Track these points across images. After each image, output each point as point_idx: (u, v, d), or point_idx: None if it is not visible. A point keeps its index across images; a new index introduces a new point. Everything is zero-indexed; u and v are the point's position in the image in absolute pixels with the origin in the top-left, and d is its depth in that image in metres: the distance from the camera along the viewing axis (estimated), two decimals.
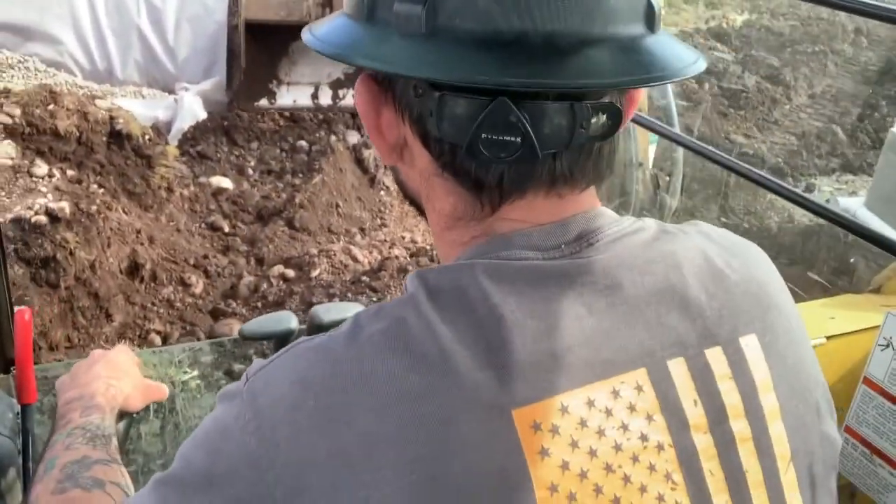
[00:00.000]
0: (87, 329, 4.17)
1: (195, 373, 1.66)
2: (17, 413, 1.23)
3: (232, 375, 1.90)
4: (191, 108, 6.91)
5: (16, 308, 1.28)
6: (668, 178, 3.43)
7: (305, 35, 0.73)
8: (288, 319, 1.36)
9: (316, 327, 1.36)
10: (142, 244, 4.66)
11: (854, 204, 6.10)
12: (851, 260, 4.78)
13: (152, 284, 4.60)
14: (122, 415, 1.18)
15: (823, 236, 5.36)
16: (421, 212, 0.79)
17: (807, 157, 6.93)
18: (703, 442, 0.66)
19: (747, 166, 1.59)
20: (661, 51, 0.67)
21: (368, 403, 0.60)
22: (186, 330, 4.34)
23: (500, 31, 0.62)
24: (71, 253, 4.21)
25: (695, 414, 0.66)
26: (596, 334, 0.65)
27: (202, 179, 5.69)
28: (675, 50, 0.68)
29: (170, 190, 5.40)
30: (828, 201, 6.36)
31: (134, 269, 4.57)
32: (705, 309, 0.69)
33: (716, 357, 0.68)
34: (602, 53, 0.63)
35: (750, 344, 0.70)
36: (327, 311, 1.38)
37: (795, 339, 0.75)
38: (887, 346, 1.17)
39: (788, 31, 8.67)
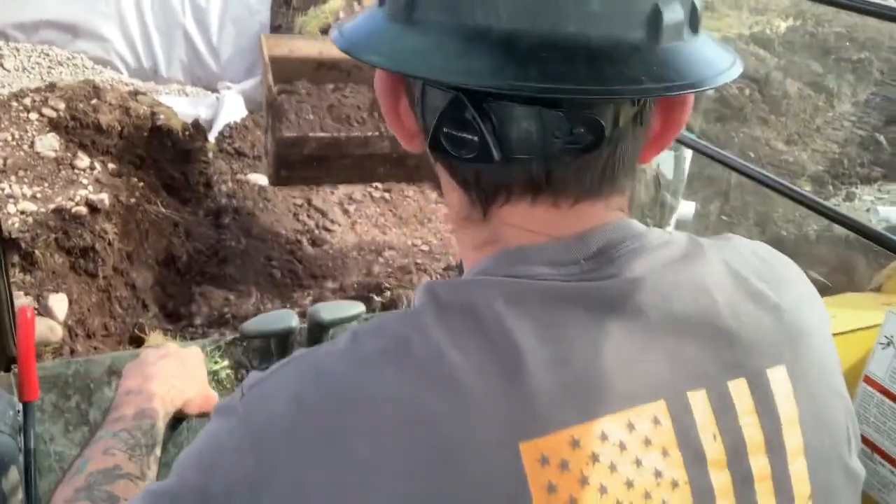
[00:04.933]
0: (124, 318, 4.26)
1: (226, 362, 1.66)
2: (19, 411, 1.23)
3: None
4: (233, 107, 7.03)
5: (17, 306, 1.29)
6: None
7: (336, 38, 0.70)
8: (288, 318, 1.35)
9: (316, 326, 1.36)
10: (179, 237, 4.75)
11: (895, 213, 6.00)
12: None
13: (188, 276, 4.69)
14: (179, 419, 1.16)
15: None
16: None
17: (848, 166, 6.83)
18: (719, 478, 0.63)
19: (749, 165, 1.57)
20: (675, 60, 0.61)
21: (367, 429, 0.58)
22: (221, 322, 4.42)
23: (472, 25, 0.59)
24: (109, 244, 4.31)
25: (713, 449, 0.63)
26: (613, 363, 0.61)
27: (240, 176, 5.78)
28: (709, 55, 0.63)
29: (208, 185, 5.49)
30: (868, 210, 6.26)
31: (170, 262, 4.66)
32: (734, 338, 0.65)
33: (740, 389, 0.65)
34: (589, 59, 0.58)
35: (778, 377, 0.67)
36: (327, 309, 1.38)
37: (826, 368, 0.71)
38: (888, 344, 1.16)
39: (833, 38, 8.55)
